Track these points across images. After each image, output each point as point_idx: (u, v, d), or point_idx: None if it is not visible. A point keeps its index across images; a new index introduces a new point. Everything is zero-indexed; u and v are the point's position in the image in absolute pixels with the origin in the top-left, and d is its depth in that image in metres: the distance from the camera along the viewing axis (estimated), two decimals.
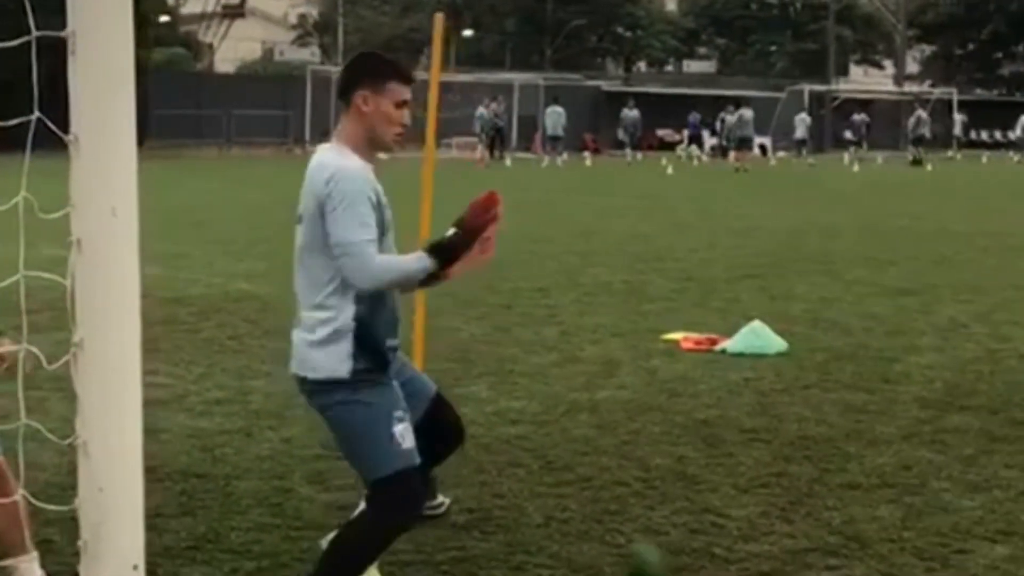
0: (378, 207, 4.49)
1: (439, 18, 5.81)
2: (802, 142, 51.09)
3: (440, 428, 5.06)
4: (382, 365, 4.55)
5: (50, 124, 2.90)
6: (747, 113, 45.47)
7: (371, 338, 4.48)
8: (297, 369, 4.60)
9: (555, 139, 46.34)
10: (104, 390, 2.87)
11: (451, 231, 4.51)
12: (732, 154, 44.48)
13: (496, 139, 47.37)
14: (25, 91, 3.03)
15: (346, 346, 4.46)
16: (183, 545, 5.48)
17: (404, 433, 4.48)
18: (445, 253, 4.47)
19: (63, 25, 2.72)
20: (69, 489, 2.85)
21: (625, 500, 6.21)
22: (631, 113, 49.47)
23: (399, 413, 4.48)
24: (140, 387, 2.90)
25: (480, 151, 45.38)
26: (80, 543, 2.93)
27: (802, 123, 51.57)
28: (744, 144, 44.78)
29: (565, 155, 46.25)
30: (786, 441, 7.33)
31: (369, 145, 4.62)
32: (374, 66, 4.66)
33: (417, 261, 4.45)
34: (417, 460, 4.54)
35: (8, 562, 4.74)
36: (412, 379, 4.98)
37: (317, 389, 4.54)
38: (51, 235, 3.01)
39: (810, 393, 8.58)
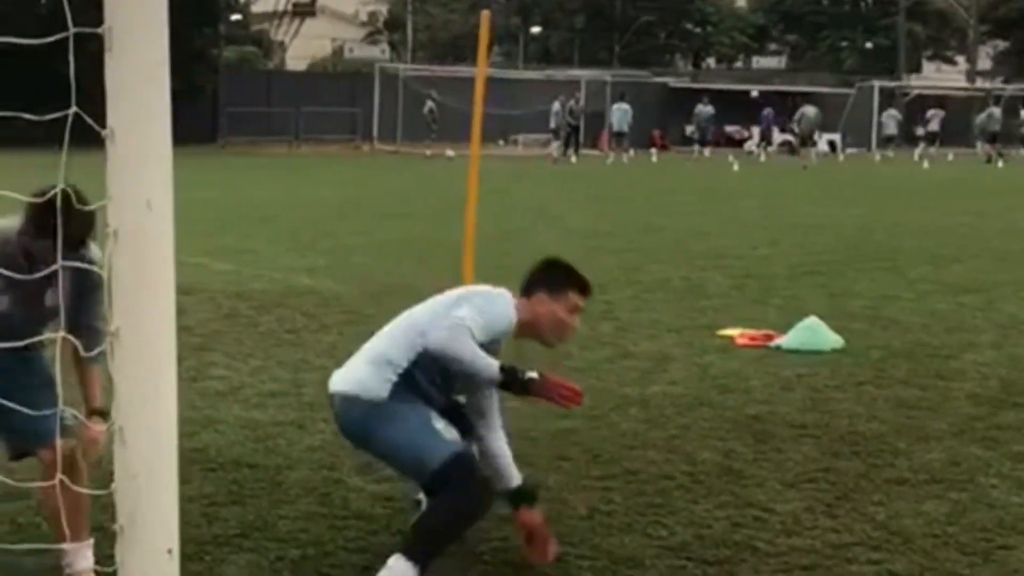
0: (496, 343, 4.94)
1: (485, 15, 5.87)
2: (890, 139, 50.58)
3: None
4: (422, 397, 4.93)
5: (87, 118, 2.98)
6: (810, 110, 45.29)
7: (417, 386, 4.90)
8: (343, 390, 4.97)
9: (620, 135, 46.29)
10: (139, 378, 2.93)
11: (533, 375, 4.82)
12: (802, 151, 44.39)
13: (571, 136, 47.24)
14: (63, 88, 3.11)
15: (391, 376, 4.88)
16: (231, 532, 5.58)
17: (446, 428, 4.76)
18: (511, 384, 4.81)
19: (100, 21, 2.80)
20: None
21: (670, 494, 6.25)
22: (705, 109, 49.29)
23: (435, 415, 4.82)
24: (175, 375, 2.97)
25: (554, 147, 45.34)
26: (116, 527, 3.01)
27: (891, 119, 51.11)
28: (808, 142, 44.67)
29: (632, 152, 46.18)
30: (835, 437, 7.33)
31: (529, 334, 5.17)
32: (561, 274, 5.25)
33: (489, 366, 4.77)
34: (464, 447, 4.81)
35: (63, 546, 4.85)
36: None
37: (350, 413, 4.95)
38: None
39: (863, 389, 8.56)
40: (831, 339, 10.01)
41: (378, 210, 22.25)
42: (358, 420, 4.92)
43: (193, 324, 10.34)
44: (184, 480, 2.91)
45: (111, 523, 5.22)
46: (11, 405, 4.30)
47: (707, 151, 47.91)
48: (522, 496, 5.20)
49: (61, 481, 4.36)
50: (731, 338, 10.27)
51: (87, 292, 4.72)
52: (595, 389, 8.48)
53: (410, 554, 4.73)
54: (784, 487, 6.37)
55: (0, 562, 5.14)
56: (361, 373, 4.96)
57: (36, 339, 4.76)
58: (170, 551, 3.01)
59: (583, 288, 5.25)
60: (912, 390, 8.53)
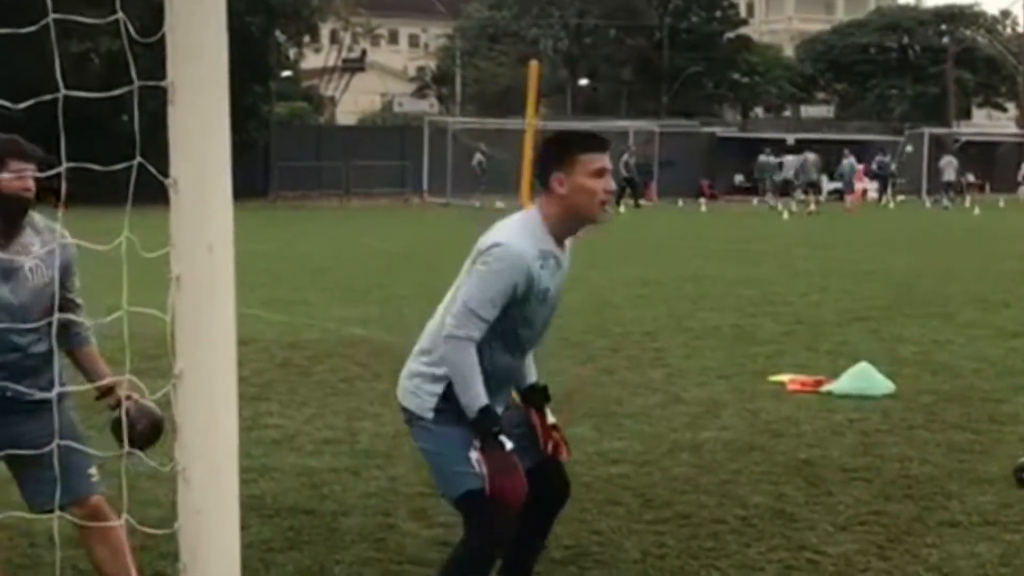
0: (531, 287, 4.58)
1: (534, 65, 5.98)
2: (949, 185, 50.37)
3: (542, 484, 4.91)
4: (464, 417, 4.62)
5: (151, 168, 3.10)
6: (811, 157, 45.54)
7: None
8: (399, 399, 4.81)
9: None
10: (202, 418, 3.02)
11: (503, 442, 4.51)
12: (848, 199, 44.46)
13: (626, 189, 47.20)
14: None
15: (437, 390, 4.63)
16: None
17: (480, 461, 4.55)
18: (487, 434, 4.50)
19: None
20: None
21: (722, 537, 6.28)
22: (768, 159, 49.29)
23: (477, 443, 4.55)
24: (236, 415, 3.07)
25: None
26: (180, 565, 3.10)
27: (949, 166, 50.96)
28: (812, 188, 44.97)
29: (680, 202, 46.16)
30: (888, 480, 7.34)
31: (570, 222, 4.69)
32: (560, 146, 4.74)
33: (471, 400, 4.50)
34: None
35: None
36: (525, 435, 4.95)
37: (408, 419, 4.77)
38: (153, 275, 3.18)
39: (915, 433, 8.56)
40: (882, 384, 10.02)
41: (429, 262, 22.37)
42: (411, 432, 4.83)
43: (248, 374, 10.46)
44: (242, 526, 2.97)
45: (169, 569, 5.33)
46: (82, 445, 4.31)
47: (769, 198, 47.37)
48: (533, 394, 4.97)
49: (101, 529, 4.45)
50: (782, 384, 10.29)
51: (68, 267, 4.78)
52: (646, 435, 8.53)
53: None
54: (836, 530, 6.39)
55: None
56: (406, 382, 4.77)
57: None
58: None
59: (591, 144, 4.66)
60: (964, 434, 8.52)
